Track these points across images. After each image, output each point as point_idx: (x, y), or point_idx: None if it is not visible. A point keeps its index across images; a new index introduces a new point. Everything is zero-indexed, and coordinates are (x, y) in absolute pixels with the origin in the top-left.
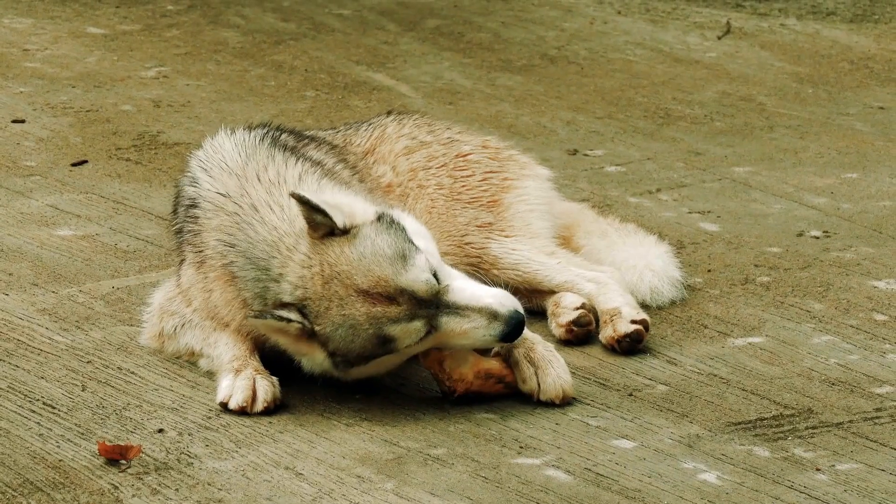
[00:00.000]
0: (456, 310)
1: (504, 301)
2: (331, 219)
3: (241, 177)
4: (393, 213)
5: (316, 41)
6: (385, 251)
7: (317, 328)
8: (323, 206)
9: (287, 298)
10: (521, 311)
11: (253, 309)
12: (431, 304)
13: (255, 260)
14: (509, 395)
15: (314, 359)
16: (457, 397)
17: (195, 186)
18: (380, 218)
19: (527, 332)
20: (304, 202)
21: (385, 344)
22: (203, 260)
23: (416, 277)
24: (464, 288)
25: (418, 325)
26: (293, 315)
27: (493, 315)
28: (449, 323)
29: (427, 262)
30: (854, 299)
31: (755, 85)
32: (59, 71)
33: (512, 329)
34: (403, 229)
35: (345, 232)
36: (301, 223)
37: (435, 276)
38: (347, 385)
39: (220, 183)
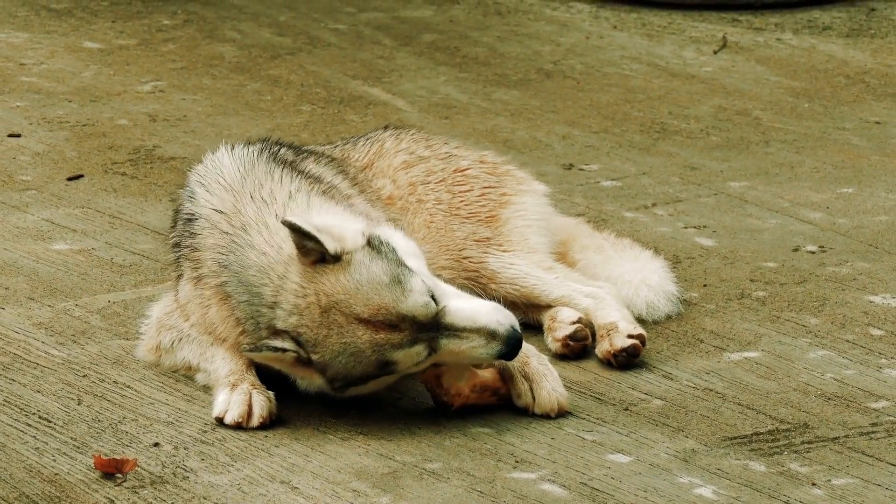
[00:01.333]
0: (455, 332)
1: (502, 320)
2: (322, 245)
3: (238, 192)
4: (381, 232)
5: (312, 56)
6: (382, 279)
7: (314, 356)
8: (313, 231)
9: (281, 325)
10: (518, 328)
11: (246, 329)
12: (431, 327)
13: (248, 285)
14: (502, 405)
15: (312, 381)
16: (454, 411)
17: (193, 202)
18: (370, 241)
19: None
20: (293, 229)
21: (386, 367)
22: (200, 276)
23: (416, 302)
24: (460, 308)
25: (420, 349)
26: (288, 344)
27: (491, 335)
28: (448, 345)
29: (423, 284)
30: (850, 314)
31: (751, 99)
32: (56, 85)
33: (510, 349)
34: (394, 250)
35: (336, 259)
36: (290, 248)
37: (432, 296)
38: (343, 401)
39: (217, 198)
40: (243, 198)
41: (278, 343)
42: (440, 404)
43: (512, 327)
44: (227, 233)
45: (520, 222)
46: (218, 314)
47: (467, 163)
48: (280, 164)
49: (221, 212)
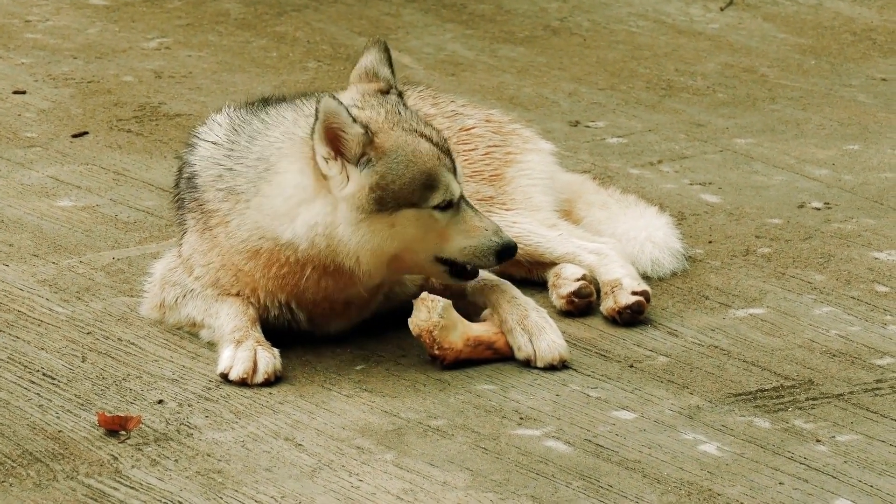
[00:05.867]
0: (473, 209)
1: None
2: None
3: (236, 125)
4: None
5: (318, 12)
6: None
7: (377, 139)
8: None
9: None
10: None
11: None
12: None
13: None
14: (499, 360)
15: (342, 190)
16: (446, 364)
17: (192, 154)
18: None
19: (520, 297)
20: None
21: (425, 190)
22: (207, 216)
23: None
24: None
25: (456, 188)
26: (359, 123)
27: (497, 231)
28: (467, 212)
29: None
30: (855, 270)
31: (757, 56)
32: (61, 42)
33: (510, 248)
34: None
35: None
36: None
37: None
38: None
39: (214, 136)
40: (244, 122)
41: (355, 112)
42: (433, 358)
43: (512, 238)
44: (229, 144)
45: (524, 181)
46: (224, 257)
47: (473, 122)
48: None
49: (217, 143)
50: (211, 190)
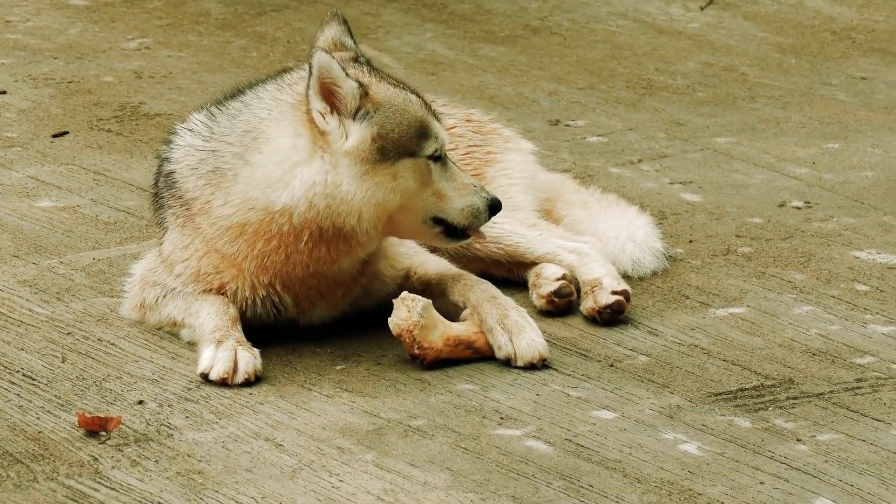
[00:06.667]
0: (455, 165)
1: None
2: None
3: (213, 112)
4: None
5: (298, 12)
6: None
7: (370, 91)
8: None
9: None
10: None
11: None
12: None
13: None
14: (479, 359)
15: (340, 149)
16: (427, 364)
17: (170, 148)
18: None
19: (500, 296)
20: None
21: (420, 139)
22: (188, 207)
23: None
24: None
25: (445, 136)
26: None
27: (482, 186)
28: (453, 168)
29: None
30: (835, 270)
31: (737, 55)
32: (41, 42)
33: (498, 202)
34: None
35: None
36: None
37: None
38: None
39: (191, 125)
40: (222, 113)
41: (358, 72)
42: (413, 357)
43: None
44: (207, 132)
45: (504, 181)
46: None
47: (453, 121)
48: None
49: (194, 130)
50: (191, 178)
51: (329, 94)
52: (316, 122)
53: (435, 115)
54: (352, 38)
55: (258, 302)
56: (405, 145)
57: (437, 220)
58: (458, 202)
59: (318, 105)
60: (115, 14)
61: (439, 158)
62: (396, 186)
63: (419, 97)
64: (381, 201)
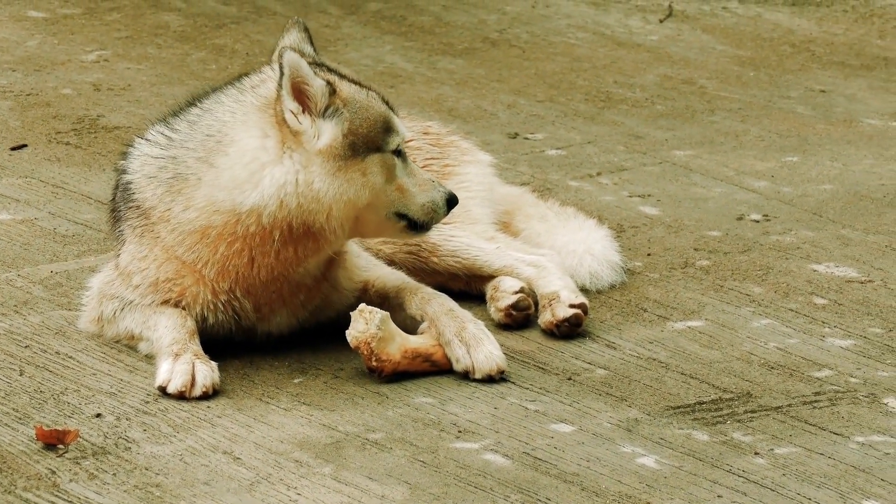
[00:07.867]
0: (412, 162)
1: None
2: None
3: (169, 122)
4: None
5: (257, 24)
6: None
7: (338, 89)
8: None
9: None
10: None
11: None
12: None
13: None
14: (437, 372)
15: (312, 143)
16: (384, 376)
17: (127, 159)
18: None
19: (458, 309)
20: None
21: (385, 133)
22: (146, 216)
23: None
24: None
25: (405, 131)
26: (323, 79)
27: (440, 184)
28: (411, 165)
29: None
30: (794, 283)
31: (697, 68)
32: None
33: (454, 196)
34: None
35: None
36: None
37: None
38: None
39: (149, 136)
40: (181, 120)
41: (321, 73)
42: (371, 370)
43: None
44: (165, 139)
45: (462, 194)
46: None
47: (411, 134)
48: None
49: (150, 140)
50: (149, 187)
51: (299, 94)
52: (288, 123)
53: (394, 110)
54: (312, 45)
55: (219, 307)
56: (373, 140)
57: (400, 216)
58: (419, 198)
59: (291, 105)
60: (74, 26)
61: (401, 153)
62: (366, 182)
63: (378, 93)
64: (352, 197)
